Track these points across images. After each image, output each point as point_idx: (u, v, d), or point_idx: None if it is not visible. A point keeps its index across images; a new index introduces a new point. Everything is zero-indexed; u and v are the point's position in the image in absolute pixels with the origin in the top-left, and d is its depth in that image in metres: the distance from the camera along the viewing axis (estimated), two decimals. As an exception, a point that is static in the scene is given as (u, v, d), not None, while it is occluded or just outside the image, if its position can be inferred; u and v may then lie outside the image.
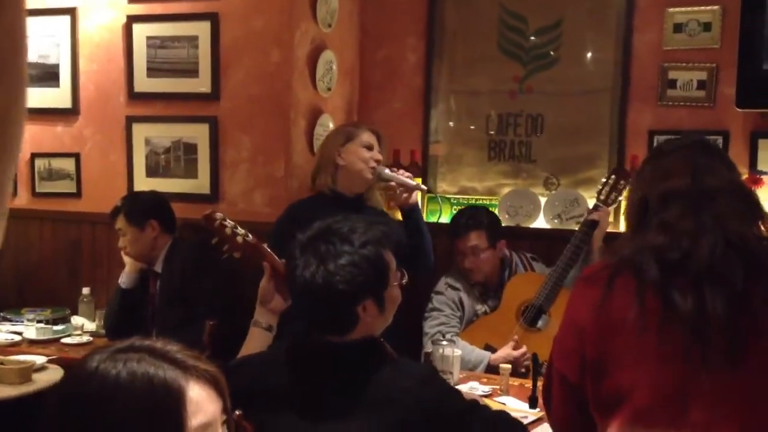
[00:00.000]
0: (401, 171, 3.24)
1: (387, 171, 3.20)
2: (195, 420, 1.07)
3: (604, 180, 3.34)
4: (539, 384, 2.49)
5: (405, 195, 3.15)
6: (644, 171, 1.73)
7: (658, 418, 1.48)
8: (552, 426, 1.82)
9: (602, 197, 3.30)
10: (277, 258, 2.23)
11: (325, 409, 1.68)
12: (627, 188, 3.32)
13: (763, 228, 1.60)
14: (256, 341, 2.09)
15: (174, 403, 1.05)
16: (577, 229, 3.32)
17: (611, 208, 3.36)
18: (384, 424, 1.64)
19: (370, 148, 3.21)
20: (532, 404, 2.55)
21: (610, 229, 3.56)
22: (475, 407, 1.77)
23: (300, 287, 1.72)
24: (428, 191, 3.21)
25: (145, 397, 1.04)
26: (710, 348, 1.46)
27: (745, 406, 1.46)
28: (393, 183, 3.19)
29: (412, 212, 3.18)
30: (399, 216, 3.31)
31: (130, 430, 1.02)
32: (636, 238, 1.65)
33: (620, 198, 3.33)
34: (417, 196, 3.20)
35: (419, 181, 3.57)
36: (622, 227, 3.62)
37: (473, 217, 3.42)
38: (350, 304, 1.72)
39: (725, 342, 1.46)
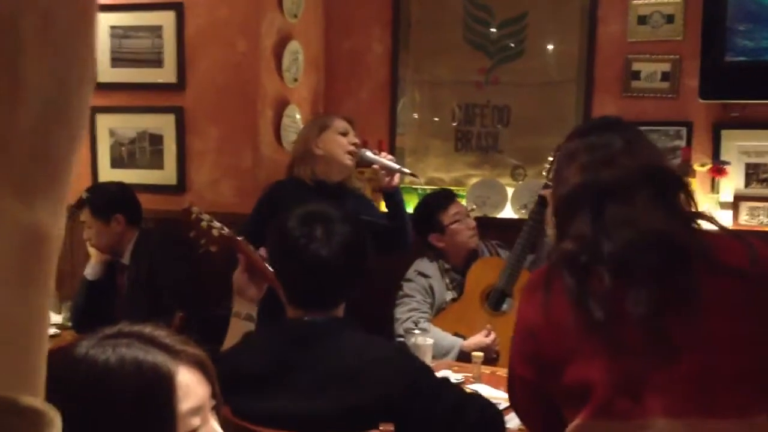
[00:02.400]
0: (383, 153, 3.25)
1: (369, 153, 3.21)
2: (185, 404, 1.07)
3: (550, 158, 3.38)
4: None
5: (387, 178, 3.16)
6: (553, 173, 1.75)
7: (617, 410, 1.49)
8: (523, 423, 1.84)
9: (550, 175, 3.35)
10: (253, 249, 2.23)
11: (306, 387, 1.70)
12: None
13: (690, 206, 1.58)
14: (238, 331, 2.10)
15: (164, 388, 1.05)
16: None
17: None
18: (366, 397, 1.66)
19: (345, 134, 3.21)
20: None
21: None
22: (447, 381, 1.82)
23: (304, 265, 1.75)
24: (413, 174, 3.23)
25: (135, 382, 1.03)
26: (641, 347, 1.47)
27: (698, 391, 1.47)
28: (376, 166, 3.20)
29: (394, 195, 3.20)
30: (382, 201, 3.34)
31: (120, 415, 1.01)
32: (555, 248, 1.68)
33: None
34: (398, 179, 3.21)
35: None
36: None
37: (445, 192, 3.57)
38: (351, 281, 1.80)
39: (656, 338, 1.46)
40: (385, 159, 3.19)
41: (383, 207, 3.32)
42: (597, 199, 1.57)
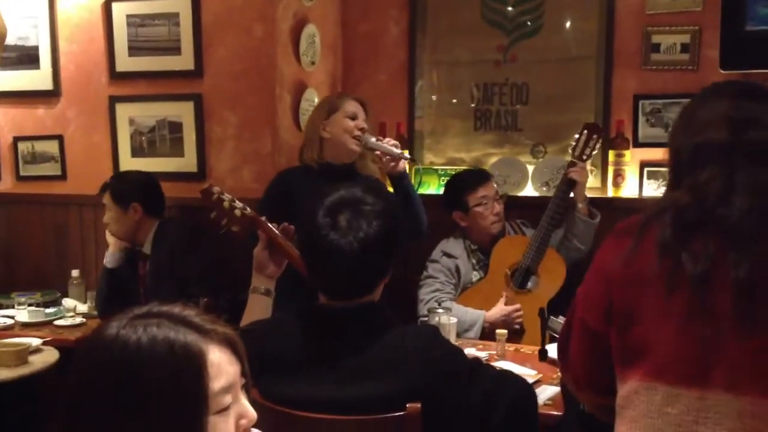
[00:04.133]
0: (387, 139, 3.23)
1: (373, 140, 3.19)
2: (217, 383, 1.07)
3: (576, 136, 3.37)
4: (547, 337, 2.52)
5: (392, 164, 3.14)
6: (678, 120, 1.65)
7: (679, 376, 1.47)
8: (569, 378, 1.79)
9: (576, 153, 3.34)
10: (274, 229, 2.23)
11: (335, 373, 1.69)
12: (600, 143, 3.36)
13: None
14: (256, 305, 2.12)
15: (195, 367, 1.05)
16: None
17: (588, 163, 3.39)
18: (399, 384, 1.66)
19: (353, 117, 3.20)
20: (542, 357, 2.59)
21: (597, 195, 3.60)
22: (480, 364, 1.80)
23: (332, 253, 1.71)
24: (413, 160, 3.18)
25: (167, 362, 1.03)
26: (726, 313, 1.43)
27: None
28: (378, 152, 3.19)
29: (400, 180, 3.17)
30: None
31: (154, 395, 1.02)
32: (665, 195, 1.63)
33: (594, 152, 3.36)
34: (404, 164, 3.19)
35: (406, 152, 3.57)
36: (610, 192, 3.65)
37: (479, 172, 3.54)
38: (381, 270, 1.77)
39: (744, 308, 1.42)
40: (388, 144, 3.16)
41: None
42: (734, 159, 1.51)
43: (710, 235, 1.47)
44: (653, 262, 1.50)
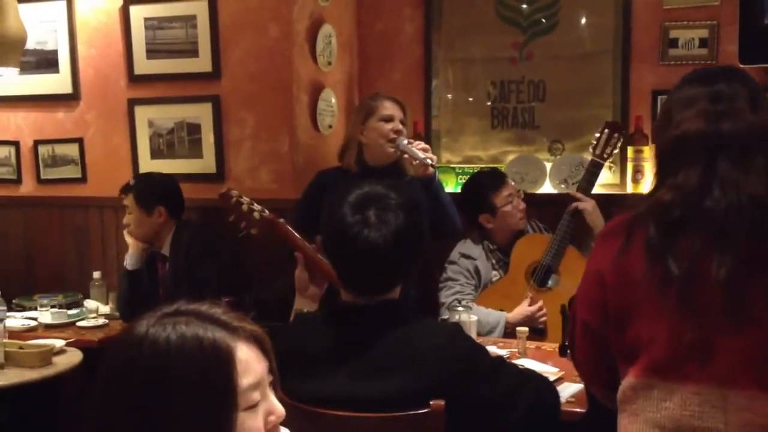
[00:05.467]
0: (417, 143, 3.22)
1: (405, 142, 3.19)
2: (245, 380, 1.08)
3: (597, 135, 3.35)
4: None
5: (421, 167, 3.14)
6: (659, 115, 1.66)
7: (673, 372, 1.49)
8: (578, 372, 1.85)
9: (597, 152, 3.33)
10: (296, 234, 2.23)
11: (358, 370, 1.71)
12: (621, 141, 3.34)
13: None
14: None
15: (224, 364, 1.06)
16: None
17: (608, 163, 3.39)
18: (419, 380, 1.67)
19: (389, 120, 3.21)
20: (562, 352, 2.61)
21: (617, 191, 3.59)
22: (503, 363, 1.80)
23: (367, 249, 1.71)
24: (432, 166, 3.16)
25: (197, 359, 1.04)
26: (716, 310, 1.44)
27: (762, 364, 1.45)
28: (406, 155, 3.19)
29: (429, 183, 3.15)
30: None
31: (184, 392, 1.03)
32: (651, 193, 1.64)
33: (615, 151, 3.35)
34: (432, 169, 3.17)
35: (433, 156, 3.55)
36: (629, 188, 3.64)
37: (496, 172, 3.54)
38: (407, 265, 1.78)
39: (733, 303, 1.44)
40: (416, 148, 3.15)
41: None
42: (713, 152, 1.51)
43: (694, 234, 1.48)
44: (642, 263, 1.52)
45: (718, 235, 1.47)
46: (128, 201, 3.47)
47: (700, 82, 1.61)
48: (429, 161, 3.13)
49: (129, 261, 3.52)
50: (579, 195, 3.28)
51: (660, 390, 1.51)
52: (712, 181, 1.50)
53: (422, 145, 3.21)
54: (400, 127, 3.22)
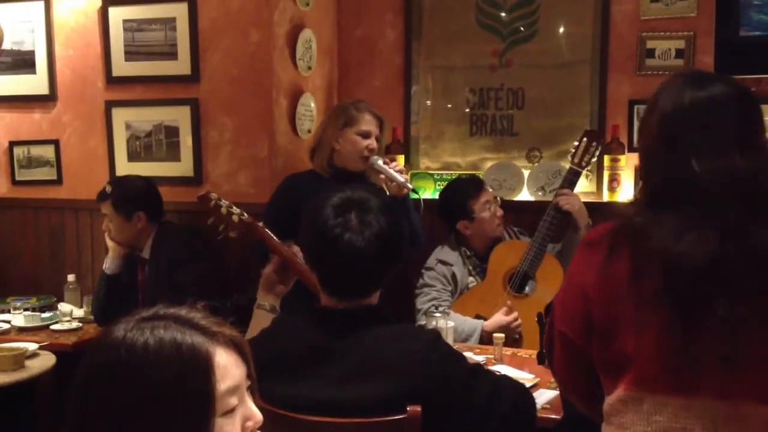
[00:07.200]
0: (394, 164, 3.24)
1: (380, 162, 3.19)
2: (223, 384, 1.08)
3: (576, 143, 3.38)
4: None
5: (396, 188, 3.13)
6: (642, 130, 1.63)
7: (663, 386, 1.48)
8: (557, 382, 1.83)
9: (576, 160, 3.34)
10: (274, 236, 2.24)
11: (335, 375, 1.70)
12: (599, 150, 3.37)
13: None
14: (261, 321, 2.10)
15: (203, 369, 1.06)
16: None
17: (586, 171, 3.41)
18: (397, 386, 1.67)
19: (366, 136, 3.22)
20: (541, 360, 2.61)
21: (593, 200, 3.62)
22: (480, 370, 1.81)
23: (349, 252, 1.72)
24: (414, 191, 3.16)
25: (175, 364, 1.04)
26: (705, 325, 1.43)
27: (754, 374, 1.44)
28: (383, 176, 3.19)
29: (402, 202, 3.14)
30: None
31: (162, 396, 1.02)
32: (633, 202, 1.63)
33: (593, 159, 3.37)
34: (406, 191, 3.16)
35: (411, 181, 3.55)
36: (606, 197, 3.67)
37: (475, 179, 3.54)
38: (387, 270, 1.79)
39: (719, 320, 1.42)
40: (394, 170, 3.15)
41: None
42: (687, 198, 1.48)
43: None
44: (628, 276, 1.50)
45: (720, 285, 1.44)
46: (106, 209, 3.43)
47: (693, 88, 1.57)
48: (410, 185, 3.15)
49: (109, 265, 3.48)
50: (566, 191, 3.30)
51: (650, 403, 1.50)
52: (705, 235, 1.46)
53: (399, 166, 3.25)
54: (375, 145, 3.22)
